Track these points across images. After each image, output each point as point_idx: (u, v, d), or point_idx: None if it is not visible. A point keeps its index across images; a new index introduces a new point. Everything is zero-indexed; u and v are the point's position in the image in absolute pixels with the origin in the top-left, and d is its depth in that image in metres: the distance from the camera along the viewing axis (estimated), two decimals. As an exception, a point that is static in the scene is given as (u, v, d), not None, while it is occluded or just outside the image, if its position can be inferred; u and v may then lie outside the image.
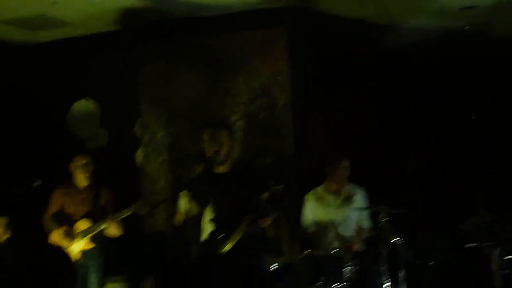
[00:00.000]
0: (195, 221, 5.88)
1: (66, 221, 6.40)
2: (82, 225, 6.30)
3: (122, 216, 6.22)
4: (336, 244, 6.01)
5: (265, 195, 4.75)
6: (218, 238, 4.79)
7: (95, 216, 6.32)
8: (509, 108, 7.04)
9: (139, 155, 8.13)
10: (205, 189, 4.95)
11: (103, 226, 6.21)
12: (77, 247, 6.28)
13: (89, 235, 6.23)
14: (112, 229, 6.22)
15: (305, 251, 5.93)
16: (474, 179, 7.02)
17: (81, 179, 6.46)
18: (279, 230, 5.74)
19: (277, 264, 5.95)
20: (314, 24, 7.39)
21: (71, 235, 6.30)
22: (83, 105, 8.39)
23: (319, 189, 6.41)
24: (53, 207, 6.51)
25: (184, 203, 6.45)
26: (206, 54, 7.68)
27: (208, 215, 5.14)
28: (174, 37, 7.75)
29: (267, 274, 5.19)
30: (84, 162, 6.44)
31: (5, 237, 6.70)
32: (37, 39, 8.10)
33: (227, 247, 4.74)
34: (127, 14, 7.34)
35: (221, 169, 4.95)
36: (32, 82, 8.17)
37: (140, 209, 6.24)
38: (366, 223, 6.24)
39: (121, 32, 7.80)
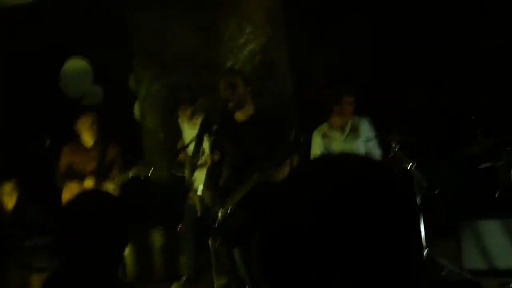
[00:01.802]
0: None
1: (74, 178, 6.41)
2: (88, 183, 6.32)
3: (124, 179, 6.27)
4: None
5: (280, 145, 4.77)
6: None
7: (102, 173, 6.34)
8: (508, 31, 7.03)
9: (137, 110, 8.09)
10: (224, 137, 4.96)
11: (104, 187, 6.21)
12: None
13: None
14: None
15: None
16: (473, 104, 7.04)
17: (88, 138, 6.45)
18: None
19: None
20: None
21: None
22: (74, 64, 8.27)
23: (324, 126, 6.41)
24: (62, 166, 6.51)
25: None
26: (196, 1, 7.58)
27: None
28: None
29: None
30: (90, 121, 6.41)
31: (12, 203, 6.72)
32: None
33: (235, 198, 4.76)
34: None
35: (239, 116, 4.94)
36: (21, 42, 8.03)
37: (140, 172, 6.25)
38: (376, 152, 6.27)
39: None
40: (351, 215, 1.21)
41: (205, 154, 6.09)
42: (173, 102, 6.49)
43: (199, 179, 6.07)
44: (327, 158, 1.44)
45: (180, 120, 6.49)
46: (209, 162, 5.34)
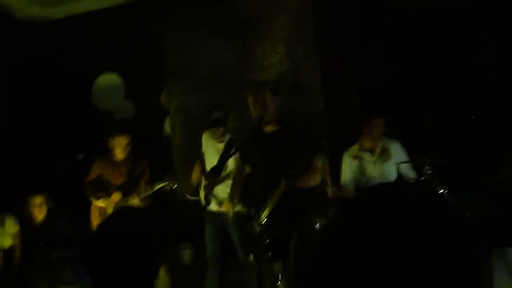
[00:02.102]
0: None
1: (102, 189, 6.46)
2: (116, 197, 6.36)
3: (149, 192, 6.28)
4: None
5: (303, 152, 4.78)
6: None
7: (129, 188, 6.37)
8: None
9: (167, 125, 8.11)
10: (254, 149, 4.96)
11: (129, 201, 6.25)
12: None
13: None
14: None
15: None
16: (501, 129, 6.97)
17: (120, 155, 6.50)
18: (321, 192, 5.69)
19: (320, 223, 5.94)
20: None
21: (108, 201, 6.38)
22: (106, 78, 8.34)
23: (355, 147, 6.39)
24: (91, 176, 6.56)
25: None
26: (230, 19, 7.61)
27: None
28: (196, 2, 7.68)
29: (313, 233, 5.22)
30: (125, 142, 6.47)
31: (42, 215, 6.78)
32: (56, 15, 8.06)
33: (264, 215, 4.75)
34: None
35: (269, 128, 4.94)
36: (54, 58, 8.12)
37: (166, 185, 6.28)
38: (410, 175, 6.21)
39: (142, 2, 7.73)
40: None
41: (228, 168, 6.11)
42: (205, 120, 6.47)
43: (219, 194, 6.11)
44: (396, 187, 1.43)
45: (204, 139, 6.47)
46: (238, 176, 5.34)
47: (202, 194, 6.17)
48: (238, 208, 5.71)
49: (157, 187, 6.23)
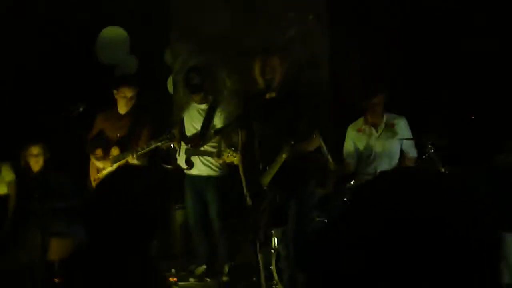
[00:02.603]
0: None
1: (103, 145, 6.42)
2: (114, 152, 6.32)
3: (146, 150, 6.18)
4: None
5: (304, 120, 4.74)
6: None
7: (129, 142, 6.33)
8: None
9: (170, 83, 8.05)
10: (254, 115, 4.91)
11: (128, 157, 6.18)
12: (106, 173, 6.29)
13: (117, 164, 6.22)
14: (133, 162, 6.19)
15: (345, 183, 5.97)
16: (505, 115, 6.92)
17: (124, 107, 6.42)
18: (321, 161, 5.65)
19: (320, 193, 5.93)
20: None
21: (103, 161, 6.35)
22: (111, 31, 8.22)
23: (360, 121, 6.34)
24: (94, 131, 6.55)
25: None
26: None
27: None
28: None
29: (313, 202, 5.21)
30: (130, 95, 6.37)
31: (38, 166, 6.74)
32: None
33: (269, 175, 4.73)
34: None
35: (268, 95, 4.89)
36: (59, 8, 8.00)
37: (163, 144, 6.18)
38: (412, 152, 6.18)
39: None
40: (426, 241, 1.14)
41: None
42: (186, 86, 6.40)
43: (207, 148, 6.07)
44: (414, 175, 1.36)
45: (185, 102, 6.42)
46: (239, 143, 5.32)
47: (182, 158, 6.14)
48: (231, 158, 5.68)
49: (153, 146, 6.15)
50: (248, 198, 4.91)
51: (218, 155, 5.95)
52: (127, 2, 7.81)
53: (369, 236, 1.18)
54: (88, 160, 6.53)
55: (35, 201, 6.29)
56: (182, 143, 6.17)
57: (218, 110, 6.14)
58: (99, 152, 6.41)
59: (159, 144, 6.14)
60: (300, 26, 7.32)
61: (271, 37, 7.41)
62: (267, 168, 4.79)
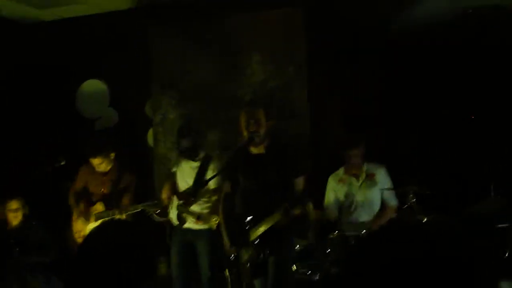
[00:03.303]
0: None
1: (86, 200, 6.40)
2: (98, 207, 6.31)
3: (133, 211, 6.20)
4: (359, 224, 6.03)
5: (300, 184, 4.76)
6: (248, 221, 4.79)
7: (113, 200, 6.34)
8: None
9: (150, 136, 8.06)
10: (240, 168, 4.92)
11: (114, 215, 6.20)
12: (89, 229, 6.25)
13: (101, 220, 6.20)
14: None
15: (328, 233, 5.97)
16: (488, 160, 6.99)
17: (103, 167, 6.44)
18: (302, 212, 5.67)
19: (301, 245, 5.92)
20: (329, 4, 7.32)
21: (86, 216, 6.31)
22: (92, 85, 8.26)
23: (341, 170, 6.38)
24: (77, 184, 6.53)
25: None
26: (220, 35, 7.61)
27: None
28: (189, 17, 7.66)
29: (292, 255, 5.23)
30: (102, 166, 6.41)
31: (17, 220, 6.68)
32: (48, 17, 8.00)
33: (258, 232, 4.73)
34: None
35: (255, 150, 4.90)
36: (40, 61, 8.04)
37: (150, 208, 6.20)
38: (393, 202, 6.23)
39: (135, 10, 7.70)
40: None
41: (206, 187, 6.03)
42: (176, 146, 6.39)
43: (195, 209, 6.05)
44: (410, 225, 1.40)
45: (177, 157, 6.42)
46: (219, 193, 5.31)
47: (173, 213, 6.11)
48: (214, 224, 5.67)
49: (140, 209, 6.16)
50: (228, 250, 4.92)
51: (199, 218, 5.93)
52: (107, 54, 7.84)
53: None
54: (69, 214, 6.48)
55: (14, 256, 6.23)
56: (175, 197, 6.14)
57: (210, 166, 6.11)
58: (81, 206, 6.39)
59: (145, 207, 6.16)
60: (280, 78, 7.39)
61: (251, 88, 7.48)
62: (256, 225, 4.77)
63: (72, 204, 6.47)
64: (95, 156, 6.36)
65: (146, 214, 6.23)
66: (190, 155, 6.06)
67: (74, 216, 6.46)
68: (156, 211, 6.20)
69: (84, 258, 2.50)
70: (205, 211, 5.99)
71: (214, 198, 5.99)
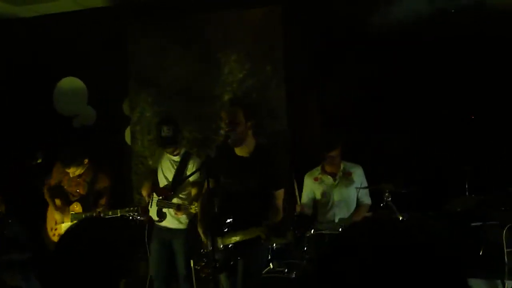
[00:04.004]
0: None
1: (62, 197, 6.41)
2: (75, 208, 6.30)
3: (108, 216, 6.19)
4: (336, 223, 6.08)
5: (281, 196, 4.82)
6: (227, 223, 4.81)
7: (89, 201, 6.36)
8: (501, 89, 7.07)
9: (128, 134, 8.04)
10: (221, 168, 4.94)
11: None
12: (65, 228, 6.24)
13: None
14: None
15: (304, 231, 6.00)
16: (463, 159, 7.06)
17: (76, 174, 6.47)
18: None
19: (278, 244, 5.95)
20: (308, 2, 7.35)
21: (63, 211, 6.35)
22: (69, 82, 8.21)
23: (317, 170, 6.42)
24: (53, 181, 6.53)
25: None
26: (198, 33, 7.63)
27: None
28: (166, 15, 7.66)
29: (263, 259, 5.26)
30: (77, 173, 6.44)
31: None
32: (23, 14, 7.95)
33: (233, 240, 4.75)
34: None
35: (240, 152, 4.92)
36: (17, 58, 8.00)
37: (129, 213, 6.19)
38: (366, 200, 6.30)
39: (111, 9, 7.70)
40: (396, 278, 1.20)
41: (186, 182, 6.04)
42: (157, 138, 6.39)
43: (174, 201, 6.08)
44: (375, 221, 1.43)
45: (158, 153, 6.42)
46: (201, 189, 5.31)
47: (153, 210, 6.13)
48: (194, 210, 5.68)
49: (119, 214, 6.17)
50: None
51: (178, 208, 5.94)
52: (85, 52, 7.81)
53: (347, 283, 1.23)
54: (45, 211, 6.46)
55: (-10, 253, 6.20)
56: (154, 194, 6.16)
57: (190, 162, 6.14)
58: (58, 202, 6.38)
59: (124, 214, 6.15)
60: (257, 77, 7.41)
61: (229, 86, 7.51)
62: (233, 231, 4.79)
63: (47, 199, 6.46)
64: (69, 167, 6.39)
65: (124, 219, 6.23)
66: (171, 144, 6.06)
67: (49, 212, 6.45)
68: (137, 217, 6.19)
69: (61, 255, 2.50)
70: (185, 203, 6.02)
71: (193, 191, 6.02)
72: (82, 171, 6.45)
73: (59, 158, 6.44)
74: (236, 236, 4.74)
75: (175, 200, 6.04)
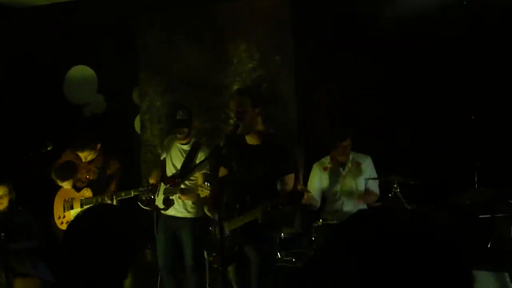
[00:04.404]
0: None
1: (72, 175, 6.42)
2: (85, 193, 6.32)
3: (125, 197, 6.20)
4: (343, 212, 6.09)
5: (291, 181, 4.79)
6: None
7: (100, 186, 6.36)
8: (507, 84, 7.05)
9: (137, 123, 8.07)
10: (233, 157, 4.96)
11: (102, 201, 6.21)
12: (74, 215, 6.27)
13: (89, 206, 6.22)
14: None
15: (313, 220, 6.04)
16: (472, 152, 7.05)
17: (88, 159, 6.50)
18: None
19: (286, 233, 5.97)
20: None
21: (67, 204, 6.40)
22: (79, 71, 8.24)
23: (326, 159, 6.42)
24: (63, 159, 6.55)
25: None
26: (208, 23, 7.62)
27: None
28: (177, 5, 7.67)
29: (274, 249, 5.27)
30: (90, 157, 6.48)
31: (3, 206, 6.66)
32: (36, 2, 7.97)
33: (232, 226, 4.78)
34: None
35: (250, 140, 4.94)
36: (30, 46, 8.01)
37: (143, 194, 6.17)
38: (375, 189, 6.30)
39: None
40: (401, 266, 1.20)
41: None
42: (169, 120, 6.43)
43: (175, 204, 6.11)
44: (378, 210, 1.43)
45: (167, 143, 6.44)
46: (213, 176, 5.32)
47: (160, 198, 6.15)
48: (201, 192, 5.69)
49: (132, 195, 6.17)
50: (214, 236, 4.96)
51: (182, 192, 5.96)
52: (95, 41, 7.83)
53: (347, 274, 1.23)
54: (53, 199, 6.49)
55: (-1, 241, 6.22)
56: (162, 184, 6.18)
57: (200, 151, 6.17)
58: (66, 183, 6.39)
59: (138, 193, 6.15)
60: (267, 67, 7.41)
61: (238, 76, 7.51)
62: (236, 216, 4.82)
63: (58, 176, 6.40)
64: (82, 151, 6.41)
65: (138, 200, 6.24)
66: (185, 126, 6.09)
67: (56, 200, 6.47)
68: (149, 196, 6.19)
69: (70, 242, 2.52)
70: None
71: (200, 179, 6.03)
72: (94, 156, 6.47)
73: (72, 143, 6.47)
74: (239, 220, 4.77)
75: (182, 186, 6.07)
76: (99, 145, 6.47)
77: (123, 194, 6.20)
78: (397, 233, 1.24)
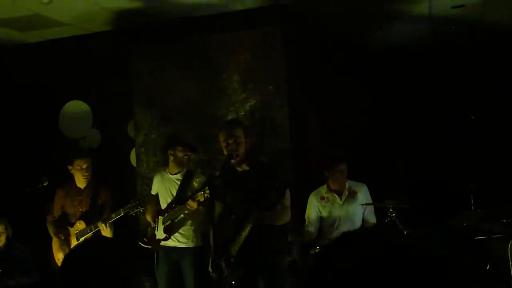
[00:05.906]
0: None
1: (65, 225, 6.41)
2: (79, 226, 6.32)
3: (115, 218, 6.20)
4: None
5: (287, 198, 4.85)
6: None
7: (93, 217, 6.34)
8: (500, 106, 7.12)
9: (133, 156, 8.09)
10: (226, 186, 4.99)
11: (96, 229, 6.22)
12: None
13: (84, 237, 6.22)
14: (104, 232, 6.19)
15: (309, 249, 6.04)
16: (467, 174, 7.09)
17: (81, 181, 6.47)
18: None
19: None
20: (308, 23, 7.41)
21: (65, 246, 6.35)
22: (74, 106, 8.30)
23: (322, 188, 6.44)
24: (55, 209, 6.54)
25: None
26: (200, 54, 7.67)
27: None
28: (168, 37, 7.74)
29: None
30: (85, 166, 6.44)
31: (0, 242, 6.65)
32: (28, 39, 8.04)
33: (236, 247, 4.79)
34: (121, 15, 7.31)
35: (240, 168, 4.99)
36: (23, 82, 8.08)
37: (133, 210, 6.19)
38: (372, 218, 6.32)
39: (115, 32, 7.77)
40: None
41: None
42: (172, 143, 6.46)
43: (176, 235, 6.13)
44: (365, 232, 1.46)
45: (156, 178, 6.48)
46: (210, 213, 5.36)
47: (160, 231, 6.15)
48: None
49: (123, 213, 6.17)
50: (216, 268, 4.96)
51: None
52: (89, 76, 7.90)
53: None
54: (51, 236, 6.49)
55: (-2, 277, 6.22)
56: (160, 217, 6.21)
57: (194, 177, 6.23)
58: (62, 237, 6.40)
59: (128, 210, 6.15)
60: (260, 96, 7.45)
61: (232, 106, 7.54)
62: (236, 237, 4.85)
63: (52, 235, 6.48)
64: (80, 157, 6.45)
65: (139, 240, 6.25)
66: (187, 152, 6.15)
67: (55, 245, 6.47)
68: (141, 210, 6.20)
69: (65, 277, 2.52)
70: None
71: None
72: (90, 163, 6.46)
73: (71, 154, 6.54)
74: (237, 240, 4.81)
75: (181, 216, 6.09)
76: (89, 162, 6.48)
77: (113, 215, 6.20)
78: (376, 259, 1.27)
